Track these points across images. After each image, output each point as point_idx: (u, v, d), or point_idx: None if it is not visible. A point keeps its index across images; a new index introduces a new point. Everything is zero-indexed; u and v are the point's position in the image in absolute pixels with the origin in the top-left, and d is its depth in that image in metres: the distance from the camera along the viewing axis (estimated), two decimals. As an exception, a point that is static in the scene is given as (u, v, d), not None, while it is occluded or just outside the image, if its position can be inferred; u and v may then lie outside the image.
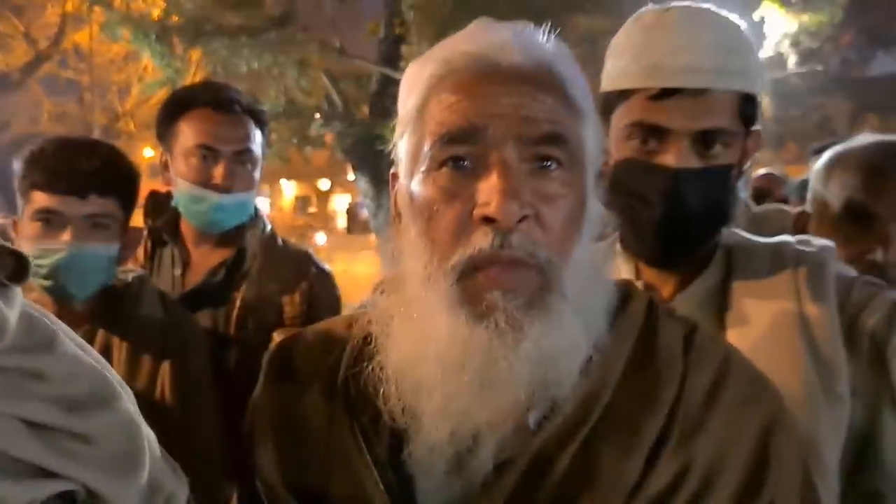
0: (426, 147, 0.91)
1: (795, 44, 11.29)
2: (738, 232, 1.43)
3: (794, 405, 1.20)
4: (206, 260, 2.13)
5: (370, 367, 0.95)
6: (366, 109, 12.09)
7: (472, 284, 0.87)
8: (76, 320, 1.77)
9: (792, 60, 11.33)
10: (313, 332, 1.13)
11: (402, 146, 0.97)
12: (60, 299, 1.77)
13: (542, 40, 0.95)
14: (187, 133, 2.03)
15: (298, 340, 1.12)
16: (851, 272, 1.37)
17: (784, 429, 0.96)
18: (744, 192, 1.39)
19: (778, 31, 11.30)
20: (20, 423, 0.85)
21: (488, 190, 0.85)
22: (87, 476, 0.89)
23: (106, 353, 1.76)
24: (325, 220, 33.87)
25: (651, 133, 1.30)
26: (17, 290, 0.90)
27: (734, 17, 1.36)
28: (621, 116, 1.34)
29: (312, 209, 36.50)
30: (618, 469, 0.89)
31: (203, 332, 1.98)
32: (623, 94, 1.34)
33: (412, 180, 0.93)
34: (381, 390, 0.93)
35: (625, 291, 1.02)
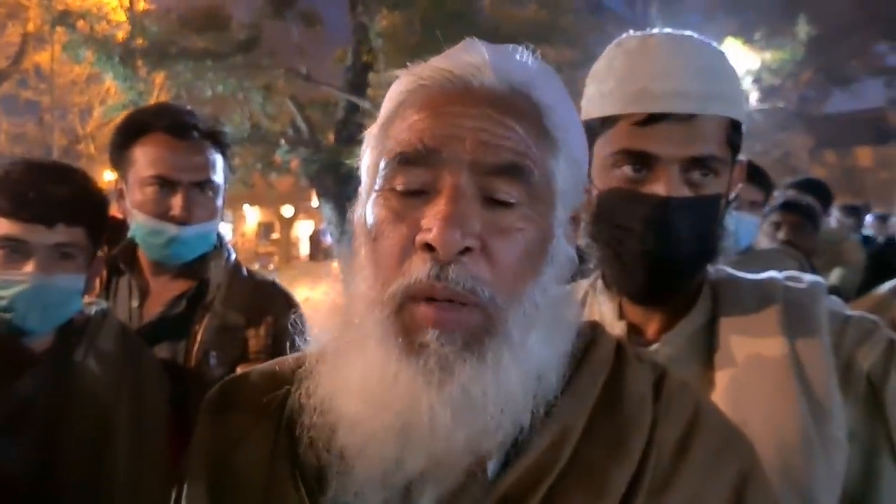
0: (382, 166, 0.86)
1: (757, 80, 11.53)
2: (723, 268, 1.37)
3: (789, 451, 1.14)
4: (165, 291, 2.02)
5: (300, 396, 0.89)
6: (331, 136, 12.07)
7: (410, 317, 0.81)
8: (27, 358, 1.66)
9: (754, 97, 11.56)
10: (258, 373, 1.04)
11: (364, 161, 0.92)
12: (15, 334, 1.65)
13: (526, 63, 0.90)
14: (142, 161, 1.92)
15: (241, 381, 1.04)
16: (845, 309, 1.31)
17: (759, 483, 0.90)
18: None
19: (740, 68, 11.55)
20: None
21: (433, 216, 0.80)
22: None
23: (59, 391, 1.65)
24: (288, 247, 33.61)
25: (638, 161, 1.24)
26: None
27: (715, 45, 1.32)
28: (605, 144, 1.28)
29: (275, 235, 36.19)
30: None
31: (162, 371, 1.86)
32: (607, 122, 1.28)
33: (368, 199, 0.88)
34: (304, 421, 0.87)
35: (593, 334, 0.97)
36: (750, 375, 1.22)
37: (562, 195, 0.88)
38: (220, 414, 1.00)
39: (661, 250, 1.23)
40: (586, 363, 0.92)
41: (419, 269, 0.80)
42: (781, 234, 3.52)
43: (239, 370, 1.84)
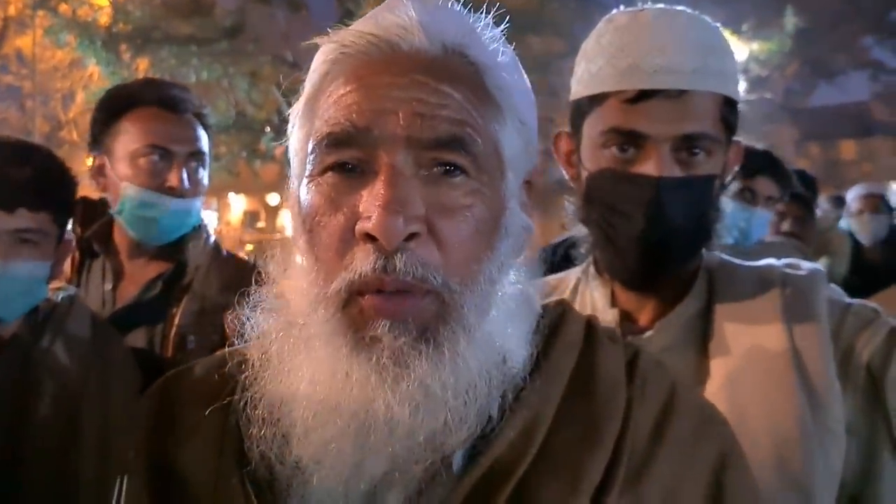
0: (310, 148, 0.79)
1: (745, 71, 11.54)
2: (720, 255, 1.33)
3: (786, 442, 1.11)
4: (141, 273, 1.96)
5: (246, 405, 0.82)
6: (317, 124, 11.98)
7: (357, 311, 0.75)
8: None
9: (741, 87, 11.59)
10: (203, 366, 0.97)
11: (291, 143, 0.85)
12: None
13: (460, 19, 0.81)
14: (134, 133, 1.86)
15: (183, 376, 0.96)
16: (844, 297, 1.27)
17: (738, 464, 0.86)
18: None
19: (729, 59, 11.55)
20: None
21: (371, 202, 0.73)
22: None
23: (23, 380, 1.59)
24: (273, 236, 33.46)
25: (628, 140, 1.20)
26: None
27: (709, 19, 1.27)
28: (594, 123, 1.24)
29: (261, 224, 36.05)
30: None
31: (133, 362, 1.78)
32: (596, 100, 1.24)
33: (299, 184, 0.82)
34: (252, 432, 0.80)
35: (560, 313, 0.91)
36: (747, 364, 1.18)
37: (511, 162, 0.82)
38: (162, 417, 0.93)
39: (653, 232, 1.19)
40: (554, 345, 0.87)
41: (363, 261, 0.74)
42: (786, 226, 3.46)
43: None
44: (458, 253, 0.76)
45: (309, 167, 0.80)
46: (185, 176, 1.86)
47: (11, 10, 19.09)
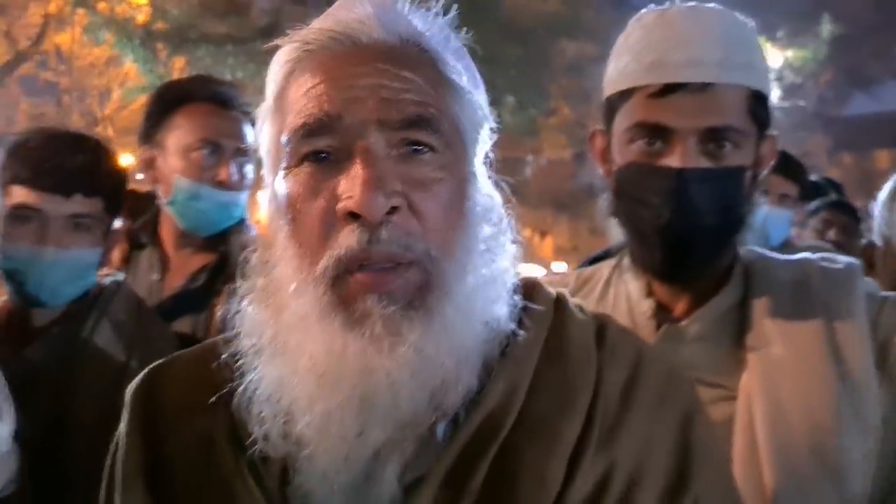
0: (284, 140, 0.84)
1: (779, 79, 11.43)
2: (756, 249, 1.35)
3: (822, 432, 1.13)
4: (186, 264, 2.03)
5: (244, 389, 0.86)
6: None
7: (346, 289, 0.81)
8: (38, 328, 1.65)
9: (775, 95, 11.46)
10: (186, 357, 1.02)
11: (262, 140, 0.90)
12: (24, 305, 1.65)
13: (410, 13, 0.89)
14: (187, 127, 1.93)
15: (167, 367, 1.01)
16: (880, 291, 1.29)
17: (701, 419, 0.92)
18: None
19: (763, 66, 11.43)
20: None
21: (350, 182, 0.79)
22: None
23: (67, 361, 1.64)
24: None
25: (654, 134, 1.23)
26: None
27: (739, 15, 1.29)
28: (623, 119, 1.27)
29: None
30: (540, 477, 0.83)
31: (176, 345, 1.82)
32: (624, 96, 1.27)
33: (275, 178, 0.87)
34: (256, 413, 0.85)
35: (530, 285, 0.97)
36: (784, 356, 1.20)
37: (469, 138, 0.89)
38: (150, 407, 0.97)
39: (678, 223, 1.21)
40: (526, 318, 0.91)
41: (348, 238, 0.79)
42: (832, 234, 3.42)
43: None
44: (436, 223, 0.82)
45: (284, 160, 0.85)
46: (233, 170, 1.91)
47: (52, 8, 19.39)
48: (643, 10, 1.32)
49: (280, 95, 0.87)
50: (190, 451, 0.91)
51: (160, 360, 1.03)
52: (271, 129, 0.88)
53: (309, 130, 0.82)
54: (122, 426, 0.98)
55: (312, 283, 0.81)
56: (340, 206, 0.79)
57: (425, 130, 0.83)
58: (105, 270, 1.82)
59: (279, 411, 0.84)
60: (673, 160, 1.20)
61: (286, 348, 0.84)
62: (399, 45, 0.85)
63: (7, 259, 1.60)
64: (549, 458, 0.84)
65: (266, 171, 0.90)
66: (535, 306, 0.93)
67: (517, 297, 0.91)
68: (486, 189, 0.91)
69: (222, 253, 2.02)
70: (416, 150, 0.82)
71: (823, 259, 1.32)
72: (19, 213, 1.59)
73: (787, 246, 2.86)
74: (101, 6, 11.97)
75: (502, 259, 0.91)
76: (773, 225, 2.80)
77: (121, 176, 1.74)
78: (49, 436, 1.59)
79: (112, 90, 20.92)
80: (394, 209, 0.79)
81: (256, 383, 0.86)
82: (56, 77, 21.68)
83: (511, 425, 0.85)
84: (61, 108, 21.59)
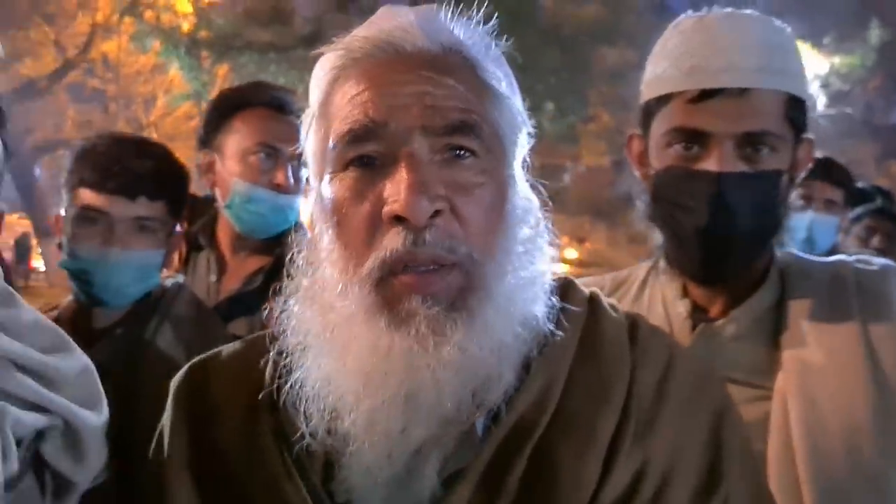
0: (331, 146, 0.86)
1: (825, 85, 11.24)
2: (792, 252, 1.36)
3: (858, 433, 1.13)
4: (243, 266, 2.06)
5: (291, 386, 0.88)
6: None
7: (390, 290, 0.81)
8: (95, 331, 1.67)
9: (821, 102, 11.28)
10: (228, 353, 1.04)
11: (307, 146, 0.92)
12: (89, 305, 1.68)
13: (453, 22, 0.89)
14: (245, 132, 1.97)
15: (210, 362, 1.03)
16: None
17: (733, 418, 0.93)
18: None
19: (809, 73, 11.24)
20: (11, 364, 0.92)
21: (395, 186, 0.80)
22: (67, 410, 0.96)
23: (130, 363, 1.67)
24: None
25: (692, 138, 1.24)
26: None
27: (778, 22, 1.30)
28: (660, 123, 1.28)
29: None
30: (576, 472, 0.84)
31: None
32: (662, 101, 1.28)
33: (321, 182, 0.88)
34: (303, 410, 0.86)
35: (565, 285, 0.97)
36: (820, 357, 1.20)
37: (509, 143, 0.89)
38: (194, 401, 0.99)
39: (716, 226, 1.22)
40: (563, 314, 0.92)
41: (394, 240, 0.80)
42: (875, 242, 3.35)
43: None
44: (477, 226, 0.83)
45: (330, 164, 0.86)
46: (289, 173, 1.94)
47: (99, 17, 19.84)
48: (681, 16, 1.33)
49: (325, 102, 0.89)
50: (236, 446, 0.93)
51: (203, 355, 1.05)
52: (316, 135, 0.90)
53: (355, 136, 0.83)
54: (167, 417, 1.00)
55: (358, 284, 0.82)
56: (386, 209, 0.80)
57: (468, 136, 0.84)
58: (166, 272, 1.85)
59: (326, 408, 0.85)
60: (710, 164, 1.21)
61: (332, 347, 0.85)
62: (441, 53, 0.86)
63: (74, 259, 1.64)
64: (584, 456, 0.84)
65: (311, 176, 0.92)
66: (570, 307, 0.94)
67: (554, 298, 0.93)
68: (524, 192, 0.92)
69: (278, 255, 2.05)
70: (458, 154, 0.84)
71: (858, 261, 1.32)
72: (86, 215, 1.63)
73: (834, 253, 2.81)
74: (148, 15, 12.26)
75: (540, 261, 0.92)
76: (819, 231, 2.75)
77: (184, 180, 1.77)
78: (114, 438, 1.62)
79: (157, 97, 21.33)
80: (437, 212, 0.80)
81: (303, 381, 0.87)
82: (103, 84, 22.16)
83: (547, 423, 0.86)
84: (108, 115, 22.04)
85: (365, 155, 0.83)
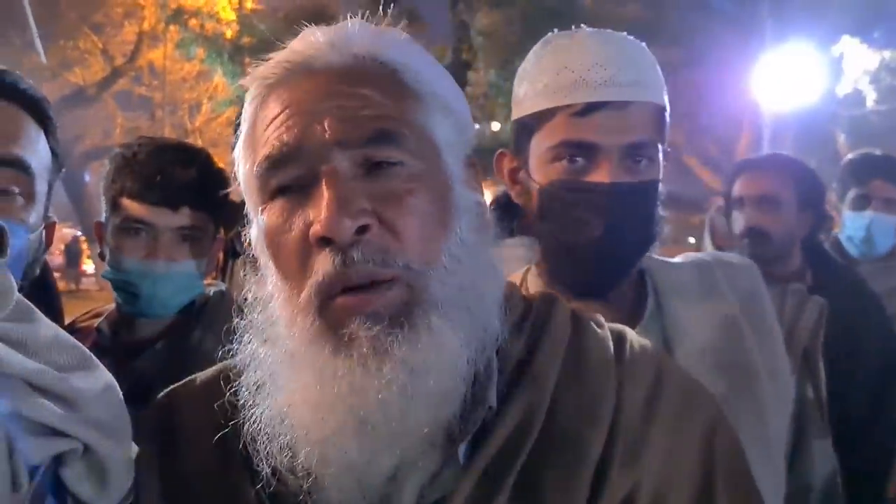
0: (256, 176, 0.84)
1: (875, 80, 10.94)
2: (649, 255, 1.36)
3: (745, 375, 1.25)
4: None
5: (253, 423, 0.85)
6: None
7: (332, 315, 0.79)
8: (138, 341, 1.66)
9: (871, 98, 10.96)
10: (202, 381, 1.01)
11: (241, 177, 0.89)
12: (133, 315, 1.67)
13: (365, 30, 0.86)
14: None
15: (182, 392, 1.01)
16: (773, 284, 1.40)
17: (724, 431, 0.91)
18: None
19: (857, 68, 10.96)
20: (26, 385, 0.87)
21: (318, 208, 0.77)
22: (86, 434, 0.90)
23: (176, 371, 1.68)
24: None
25: (579, 151, 1.24)
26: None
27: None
28: (543, 139, 1.28)
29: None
30: (564, 497, 0.81)
31: None
32: (543, 116, 1.27)
33: (256, 215, 0.86)
34: (264, 450, 0.83)
35: (549, 301, 0.95)
36: (704, 344, 1.26)
37: (447, 146, 0.86)
38: (165, 434, 0.97)
39: (611, 237, 1.23)
40: (546, 333, 0.90)
41: (324, 263, 0.77)
42: None
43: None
44: (414, 235, 0.80)
45: (258, 194, 0.84)
46: None
47: (146, 26, 20.27)
48: (548, 35, 1.35)
49: (249, 132, 0.87)
50: (208, 480, 0.91)
51: (173, 386, 1.03)
52: (245, 167, 0.87)
53: (273, 162, 0.81)
54: (136, 453, 0.96)
55: (301, 314, 0.80)
56: (311, 231, 0.78)
57: (389, 145, 0.81)
58: (207, 280, 1.84)
59: (283, 446, 0.82)
60: (601, 176, 1.22)
61: (285, 381, 0.83)
62: (354, 64, 0.84)
63: (118, 272, 1.63)
64: (573, 478, 0.82)
65: (249, 207, 0.89)
66: (553, 322, 0.92)
67: (534, 315, 0.91)
68: (471, 195, 0.89)
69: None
70: (381, 164, 0.81)
71: (715, 256, 1.42)
72: (129, 226, 1.61)
73: (891, 256, 2.67)
74: (192, 23, 12.42)
75: (493, 266, 0.90)
76: (878, 232, 2.63)
77: (225, 188, 1.76)
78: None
79: (202, 103, 21.71)
80: (364, 228, 0.77)
81: (259, 420, 0.84)
82: (150, 92, 22.64)
83: (533, 443, 0.83)
84: (154, 122, 22.49)
85: (286, 184, 0.82)
